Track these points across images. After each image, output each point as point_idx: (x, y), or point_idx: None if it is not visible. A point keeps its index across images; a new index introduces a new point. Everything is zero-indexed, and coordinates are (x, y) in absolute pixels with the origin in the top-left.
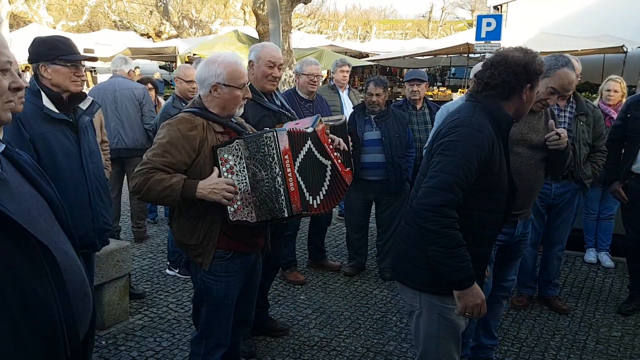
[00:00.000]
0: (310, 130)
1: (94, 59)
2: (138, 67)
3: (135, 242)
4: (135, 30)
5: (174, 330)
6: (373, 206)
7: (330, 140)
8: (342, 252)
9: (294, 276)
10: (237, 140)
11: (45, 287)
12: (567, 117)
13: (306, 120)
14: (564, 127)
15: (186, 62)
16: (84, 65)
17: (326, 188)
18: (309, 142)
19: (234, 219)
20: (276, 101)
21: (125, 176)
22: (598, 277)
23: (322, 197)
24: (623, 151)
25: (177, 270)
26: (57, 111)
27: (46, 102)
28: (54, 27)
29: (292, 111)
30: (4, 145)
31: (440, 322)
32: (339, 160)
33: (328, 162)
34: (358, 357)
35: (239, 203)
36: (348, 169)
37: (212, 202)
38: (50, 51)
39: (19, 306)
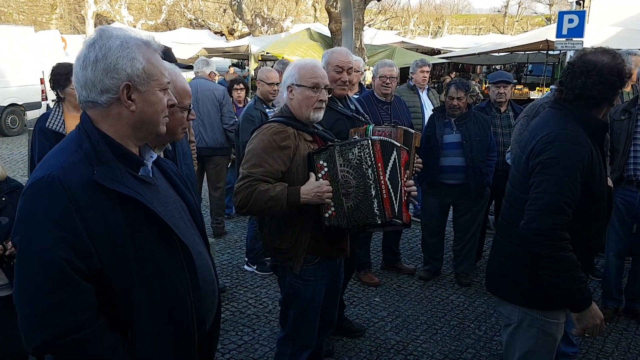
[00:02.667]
0: (398, 144)
1: (190, 67)
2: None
3: (214, 237)
4: (209, 29)
5: (254, 325)
6: (450, 210)
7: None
8: (416, 255)
9: (368, 278)
10: (332, 147)
11: (183, 283)
12: None
13: (380, 129)
14: None
15: (259, 60)
16: None
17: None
18: (395, 153)
19: (329, 224)
20: (350, 105)
21: (205, 174)
22: None
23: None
24: None
25: (255, 267)
26: None
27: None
28: (134, 26)
29: (366, 115)
30: (156, 155)
31: (539, 337)
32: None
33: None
34: None
35: (333, 209)
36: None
37: (305, 207)
38: None
39: (162, 299)
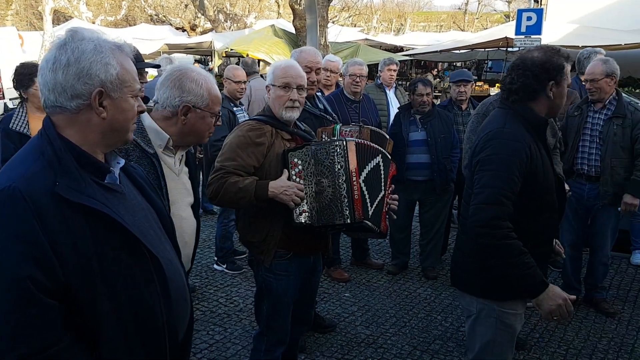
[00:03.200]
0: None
1: (157, 66)
2: None
3: None
4: (171, 24)
5: (225, 324)
6: (416, 206)
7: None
8: (384, 250)
9: (338, 274)
10: (308, 146)
11: (153, 294)
12: (602, 119)
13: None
14: (594, 130)
15: (223, 56)
16: (147, 72)
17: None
18: (380, 158)
19: (298, 221)
20: (319, 104)
21: None
22: None
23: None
24: None
25: (224, 266)
26: None
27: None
28: (93, 22)
29: (334, 115)
30: (124, 161)
31: (497, 327)
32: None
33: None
34: (405, 355)
35: (304, 207)
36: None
37: (277, 202)
38: None
39: (131, 311)
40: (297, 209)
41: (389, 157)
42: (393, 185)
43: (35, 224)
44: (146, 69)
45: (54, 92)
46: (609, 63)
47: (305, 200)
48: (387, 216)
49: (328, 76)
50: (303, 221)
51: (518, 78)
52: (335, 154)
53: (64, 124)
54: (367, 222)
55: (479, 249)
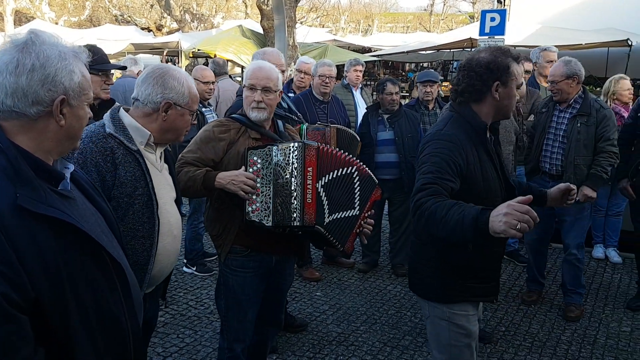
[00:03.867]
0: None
1: (124, 68)
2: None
3: None
4: (136, 25)
5: (195, 327)
6: (386, 204)
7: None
8: (355, 249)
9: (309, 273)
10: (269, 146)
11: (116, 300)
12: (567, 117)
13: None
14: (559, 129)
15: (190, 57)
16: (113, 74)
17: (343, 216)
18: (354, 172)
19: (249, 219)
20: (282, 104)
21: None
22: (606, 272)
23: (333, 219)
24: (633, 149)
25: (194, 268)
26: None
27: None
28: (56, 23)
29: (299, 114)
30: (73, 166)
31: (450, 329)
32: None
33: (356, 208)
34: (375, 352)
35: (258, 204)
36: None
37: (235, 198)
38: None
39: (97, 319)
40: (250, 207)
41: (374, 180)
42: (373, 210)
43: (3, 239)
44: (112, 71)
45: (13, 97)
46: (571, 65)
47: (259, 199)
48: (356, 237)
49: (302, 78)
50: (255, 219)
51: (463, 79)
52: (292, 155)
53: (17, 130)
54: (319, 227)
55: (429, 236)
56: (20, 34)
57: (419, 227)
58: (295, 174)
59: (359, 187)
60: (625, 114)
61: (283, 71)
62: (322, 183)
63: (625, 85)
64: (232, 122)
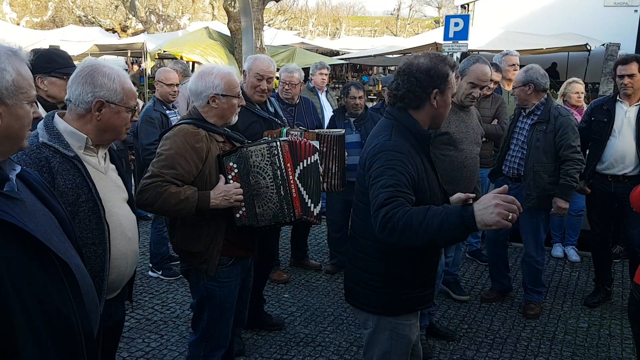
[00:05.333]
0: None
1: None
2: None
3: None
4: (101, 26)
5: (161, 332)
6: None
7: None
8: (323, 250)
9: (277, 275)
10: (243, 149)
11: (65, 301)
12: (529, 123)
13: (293, 132)
14: (521, 134)
15: (156, 58)
16: None
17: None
18: (316, 155)
19: (240, 224)
20: (269, 108)
21: None
22: (565, 270)
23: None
24: (587, 152)
25: (160, 272)
26: None
27: (42, 112)
28: (18, 24)
29: (284, 118)
30: (20, 167)
31: (392, 338)
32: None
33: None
34: (342, 352)
35: (244, 209)
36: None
37: (217, 209)
38: (48, 64)
39: (43, 320)
40: (237, 213)
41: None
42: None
43: None
44: None
45: None
46: (529, 72)
47: (243, 202)
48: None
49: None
50: (246, 223)
51: (403, 84)
52: (271, 154)
53: None
54: (306, 217)
55: (401, 252)
56: None
57: (390, 241)
58: (278, 173)
59: (318, 161)
60: (578, 117)
61: (271, 78)
62: (297, 175)
63: (574, 88)
64: (198, 128)
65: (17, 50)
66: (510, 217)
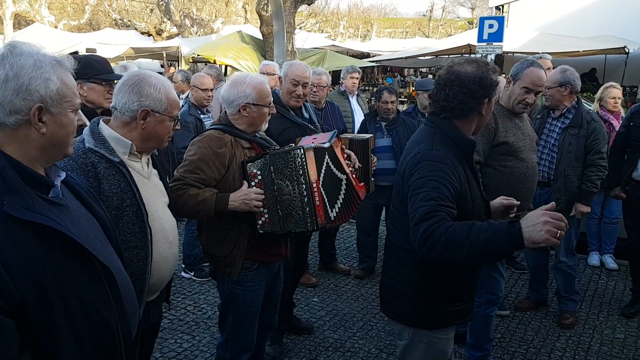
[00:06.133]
0: (327, 145)
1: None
2: None
3: None
4: (136, 29)
5: (193, 332)
6: (383, 210)
7: (346, 155)
8: (352, 254)
9: (306, 279)
10: (266, 156)
11: (106, 304)
12: (559, 126)
13: (324, 135)
14: (550, 137)
15: (190, 62)
16: (116, 83)
17: (341, 201)
18: (327, 157)
19: (262, 231)
20: (304, 114)
21: None
22: (602, 279)
23: (337, 210)
24: (625, 157)
25: (192, 273)
26: None
27: (85, 119)
28: (56, 27)
29: (318, 124)
30: (65, 174)
31: (428, 352)
32: (354, 175)
33: (343, 177)
34: (371, 358)
35: (266, 216)
36: (362, 183)
37: (240, 214)
38: (87, 70)
39: (85, 324)
40: (260, 220)
41: (331, 146)
42: (357, 163)
43: None
44: (115, 80)
45: None
46: (566, 73)
47: (267, 210)
48: (360, 181)
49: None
50: (269, 230)
51: (455, 96)
52: (295, 163)
53: (4, 141)
54: (329, 226)
55: (440, 266)
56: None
57: (431, 256)
58: (302, 180)
59: (334, 167)
60: (615, 122)
61: (306, 84)
62: (322, 182)
63: (611, 93)
64: (223, 134)
65: (62, 59)
66: (558, 235)
